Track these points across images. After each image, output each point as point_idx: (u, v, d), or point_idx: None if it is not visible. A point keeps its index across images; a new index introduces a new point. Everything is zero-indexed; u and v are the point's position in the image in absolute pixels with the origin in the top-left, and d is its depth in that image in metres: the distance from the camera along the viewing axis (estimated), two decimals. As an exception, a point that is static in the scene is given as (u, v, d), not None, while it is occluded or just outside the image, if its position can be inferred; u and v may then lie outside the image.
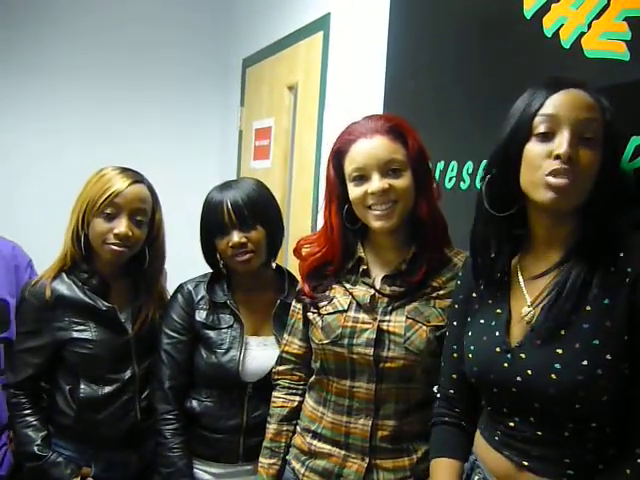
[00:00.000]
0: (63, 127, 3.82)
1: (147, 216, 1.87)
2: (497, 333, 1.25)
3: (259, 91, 3.64)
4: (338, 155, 1.54)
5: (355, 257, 1.57)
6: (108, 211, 1.80)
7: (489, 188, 1.26)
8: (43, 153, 3.76)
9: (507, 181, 1.21)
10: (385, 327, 1.49)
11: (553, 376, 1.12)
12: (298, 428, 1.66)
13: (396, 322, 1.49)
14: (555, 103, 1.15)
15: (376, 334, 1.49)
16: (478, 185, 1.78)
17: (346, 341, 1.51)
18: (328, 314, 1.55)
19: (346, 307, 1.54)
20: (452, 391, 1.42)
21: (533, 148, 1.16)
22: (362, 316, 1.52)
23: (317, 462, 1.58)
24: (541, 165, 1.14)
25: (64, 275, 1.86)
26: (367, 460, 1.51)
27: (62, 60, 3.83)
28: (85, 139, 3.79)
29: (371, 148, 1.47)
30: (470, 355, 1.30)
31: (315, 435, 1.59)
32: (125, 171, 1.87)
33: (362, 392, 1.51)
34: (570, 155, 1.11)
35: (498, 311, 1.28)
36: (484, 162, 1.73)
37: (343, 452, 1.54)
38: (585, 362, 1.09)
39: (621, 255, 1.11)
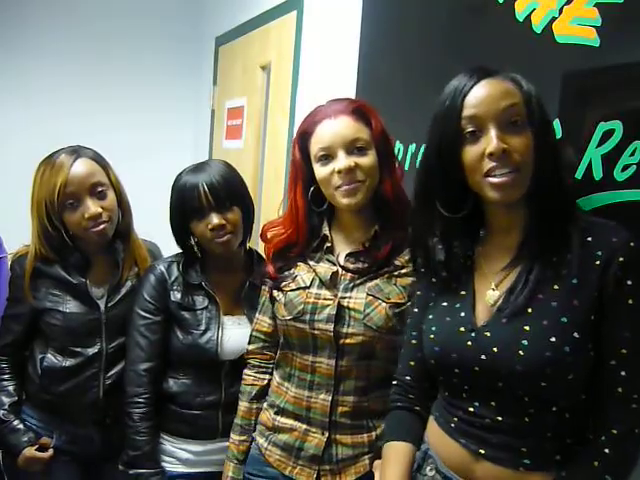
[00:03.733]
0: (37, 105, 3.78)
1: (105, 184, 1.87)
2: (462, 314, 1.25)
3: (232, 70, 3.61)
4: (303, 137, 1.57)
5: (320, 235, 1.60)
6: (69, 202, 1.81)
7: (437, 187, 1.26)
8: (13, 127, 3.72)
9: (453, 184, 1.22)
10: (345, 303, 1.52)
11: (520, 352, 1.12)
12: (265, 404, 1.69)
13: (356, 298, 1.52)
14: (473, 102, 1.16)
15: (336, 310, 1.52)
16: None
17: (307, 317, 1.54)
18: (291, 290, 1.59)
19: (308, 284, 1.57)
20: (408, 378, 1.41)
21: (468, 151, 1.17)
22: (324, 292, 1.55)
23: (279, 437, 1.62)
24: (479, 167, 1.16)
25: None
26: (327, 435, 1.54)
27: (32, 36, 3.77)
28: (58, 118, 3.73)
29: (336, 127, 1.50)
30: (432, 336, 1.29)
31: (278, 410, 1.63)
32: (60, 154, 1.85)
33: (323, 367, 1.54)
34: (503, 149, 1.12)
35: (462, 293, 1.28)
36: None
37: (304, 426, 1.57)
38: (553, 339, 1.10)
39: (589, 239, 1.12)
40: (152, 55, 4.05)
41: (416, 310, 1.41)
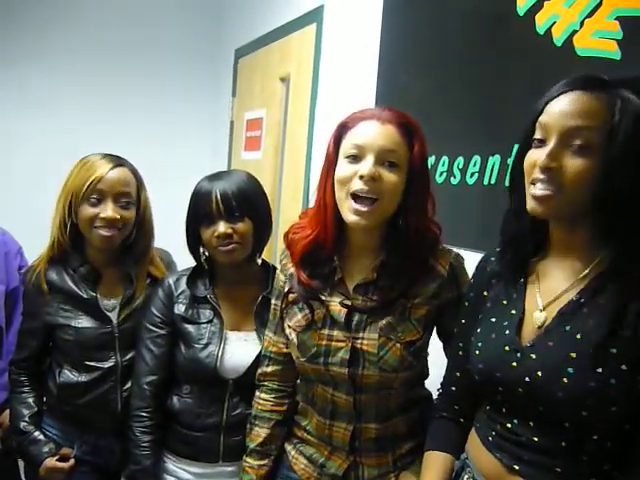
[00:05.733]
0: (57, 112, 3.81)
1: (132, 198, 1.88)
2: (507, 332, 1.22)
3: (251, 82, 3.63)
4: (342, 129, 1.45)
5: (332, 265, 1.49)
6: (93, 197, 1.82)
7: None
8: (28, 137, 3.75)
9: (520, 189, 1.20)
10: (359, 345, 1.44)
11: (565, 380, 1.09)
12: (295, 418, 1.64)
13: (369, 340, 1.44)
14: (550, 110, 1.12)
15: (350, 353, 1.44)
16: (469, 180, 1.79)
17: (322, 359, 1.47)
18: (303, 332, 1.50)
19: (320, 324, 1.48)
20: (454, 388, 1.41)
21: (529, 155, 1.16)
22: (336, 333, 1.46)
23: (307, 448, 1.58)
24: (530, 172, 1.14)
25: (57, 263, 1.90)
26: (351, 458, 1.50)
27: (51, 47, 3.82)
28: (78, 129, 3.76)
29: (377, 132, 1.38)
30: (477, 352, 1.27)
31: (305, 430, 1.59)
32: (106, 156, 1.89)
33: (342, 401, 1.48)
34: (549, 166, 1.09)
35: (513, 312, 1.24)
36: (475, 157, 1.75)
37: (329, 448, 1.54)
38: (600, 369, 1.07)
39: None
40: (171, 66, 4.08)
41: (464, 321, 1.38)
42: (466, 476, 1.30)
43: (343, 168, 1.40)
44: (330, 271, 1.49)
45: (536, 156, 1.13)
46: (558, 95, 1.13)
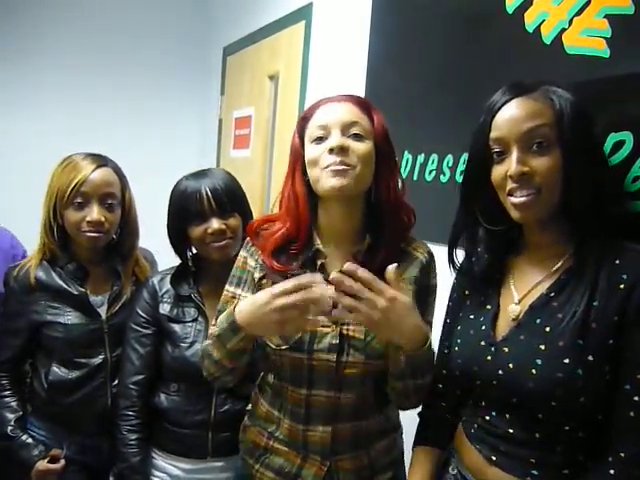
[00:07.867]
0: (47, 114, 3.79)
1: (117, 198, 1.88)
2: (483, 327, 1.28)
3: (240, 80, 3.62)
4: (303, 121, 1.46)
5: (312, 249, 1.44)
6: (78, 201, 1.82)
7: (476, 198, 1.30)
8: (27, 140, 3.73)
9: (489, 197, 1.26)
10: (345, 331, 1.40)
11: (533, 371, 1.13)
12: (257, 427, 1.56)
13: (356, 325, 1.39)
14: (499, 124, 1.19)
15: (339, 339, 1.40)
16: (458, 178, 1.80)
17: (306, 346, 1.40)
18: None
19: None
20: (441, 386, 1.44)
21: (495, 171, 1.21)
22: (321, 318, 1.35)
23: (274, 459, 1.50)
24: (503, 186, 1.20)
25: (45, 262, 1.90)
26: (327, 464, 1.45)
27: (45, 47, 3.80)
28: (68, 126, 3.73)
29: (337, 110, 1.40)
30: (456, 348, 1.33)
31: (272, 436, 1.51)
32: (88, 157, 1.88)
33: (322, 399, 1.42)
34: (522, 171, 1.15)
35: (488, 307, 1.30)
36: (464, 155, 1.75)
37: (301, 454, 1.47)
38: (567, 360, 1.10)
39: (617, 262, 1.11)
40: (159, 65, 4.06)
41: (448, 321, 1.44)
42: (451, 466, 1.36)
43: (312, 150, 1.40)
44: (308, 258, 1.44)
45: (503, 169, 1.19)
46: (500, 108, 1.19)
